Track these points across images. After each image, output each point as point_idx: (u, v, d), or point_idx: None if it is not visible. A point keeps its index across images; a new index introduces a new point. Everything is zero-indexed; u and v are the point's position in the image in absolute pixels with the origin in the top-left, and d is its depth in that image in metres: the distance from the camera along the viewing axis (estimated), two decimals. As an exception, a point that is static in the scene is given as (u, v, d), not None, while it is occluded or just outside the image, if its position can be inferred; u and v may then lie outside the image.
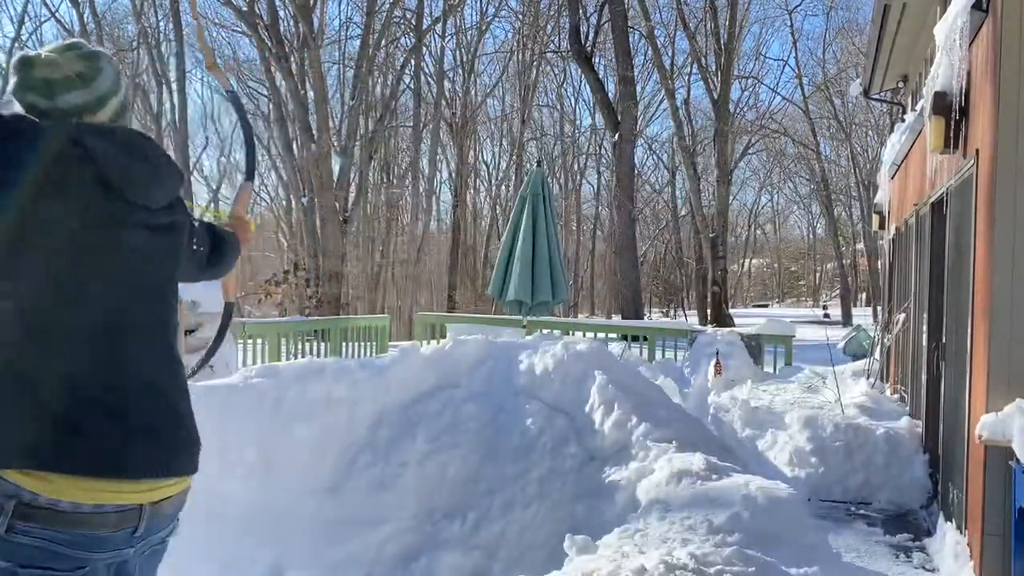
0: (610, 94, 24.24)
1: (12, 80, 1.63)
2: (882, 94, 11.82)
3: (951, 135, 4.67)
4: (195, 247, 1.94)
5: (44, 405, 1.51)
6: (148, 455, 1.60)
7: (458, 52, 31.48)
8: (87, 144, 1.56)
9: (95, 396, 1.55)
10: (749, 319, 20.55)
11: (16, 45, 27.37)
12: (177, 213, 1.79)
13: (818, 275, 54.73)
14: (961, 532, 4.53)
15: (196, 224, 1.99)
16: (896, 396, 8.39)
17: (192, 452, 1.72)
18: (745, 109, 34.39)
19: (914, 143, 7.16)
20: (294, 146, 22.12)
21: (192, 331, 5.79)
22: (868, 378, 9.23)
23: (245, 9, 20.18)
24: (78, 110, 1.62)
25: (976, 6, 4.23)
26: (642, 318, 22.11)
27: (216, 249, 2.09)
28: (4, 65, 27.00)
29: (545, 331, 8.44)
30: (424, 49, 27.21)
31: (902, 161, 8.33)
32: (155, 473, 1.61)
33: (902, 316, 8.30)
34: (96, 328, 1.58)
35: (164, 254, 1.74)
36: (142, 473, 1.58)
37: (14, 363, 1.52)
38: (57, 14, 29.53)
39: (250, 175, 2.52)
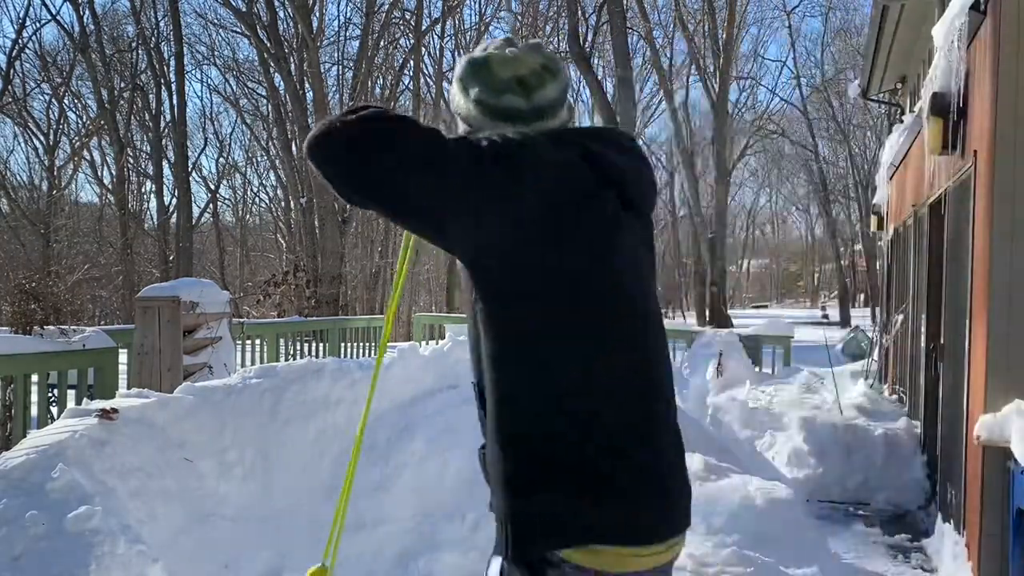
0: (608, 95, 24.26)
1: (474, 89, 1.42)
2: (880, 95, 11.83)
3: (949, 136, 4.67)
4: None
5: (589, 475, 1.32)
6: (676, 510, 1.43)
7: (457, 53, 31.52)
8: (604, 156, 1.38)
9: (634, 454, 1.36)
10: (748, 320, 20.56)
11: (17, 47, 27.37)
12: (652, 227, 1.58)
13: (817, 276, 54.76)
14: (959, 533, 4.53)
15: None
16: (894, 397, 8.40)
17: (690, 500, 1.50)
18: (743, 110, 34.45)
19: (912, 144, 7.16)
20: (293, 147, 22.11)
21: (191, 331, 5.78)
22: (867, 379, 9.23)
23: (244, 10, 20.17)
24: (552, 105, 1.42)
25: (974, 7, 4.24)
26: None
27: None
28: (3, 67, 27.02)
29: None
30: (423, 50, 27.23)
31: (900, 162, 8.34)
32: (677, 530, 1.42)
33: (900, 317, 8.31)
34: (629, 371, 1.38)
35: (654, 272, 1.52)
36: (672, 532, 1.40)
37: (555, 431, 1.34)
38: (58, 16, 29.61)
39: None
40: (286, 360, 9.13)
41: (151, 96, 28.88)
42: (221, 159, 37.41)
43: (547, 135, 1.39)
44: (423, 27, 24.85)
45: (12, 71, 27.36)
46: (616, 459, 1.34)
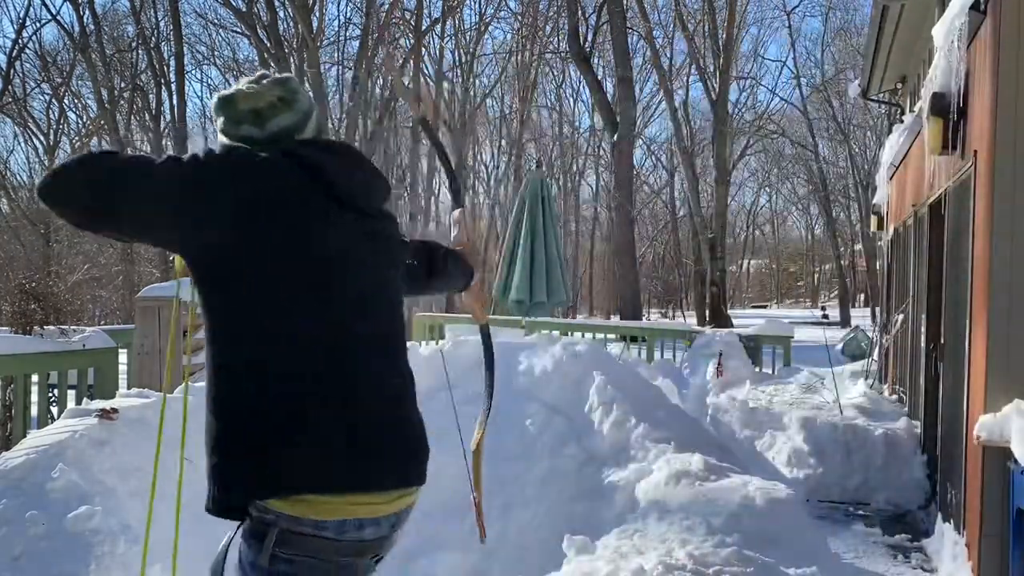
0: (609, 95, 24.25)
1: (219, 120, 1.69)
2: (880, 95, 11.83)
3: (949, 136, 4.67)
4: (409, 260, 1.98)
5: (292, 429, 1.52)
6: (394, 465, 1.64)
7: (457, 53, 31.53)
8: (313, 159, 1.63)
9: (338, 413, 1.56)
10: (748, 320, 20.56)
11: (17, 47, 27.38)
12: (390, 222, 1.83)
13: (817, 276, 54.73)
14: (959, 533, 4.53)
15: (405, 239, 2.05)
16: (894, 397, 8.40)
17: (425, 461, 1.77)
18: (743, 110, 34.43)
19: (912, 144, 7.16)
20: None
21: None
22: (867, 379, 9.23)
23: (244, 10, 20.18)
24: (288, 132, 1.68)
25: (974, 7, 4.24)
26: (641, 319, 22.11)
27: (433, 264, 2.10)
28: (3, 67, 27.04)
29: (544, 332, 8.45)
30: (423, 50, 27.23)
31: (900, 162, 8.34)
32: (401, 482, 1.65)
33: (900, 317, 8.31)
34: (334, 344, 1.59)
35: (388, 262, 1.77)
36: (392, 483, 1.63)
37: (261, 394, 1.55)
38: (58, 16, 29.61)
39: (458, 201, 2.41)
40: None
41: (151, 96, 28.88)
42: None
43: (261, 146, 1.64)
44: (423, 27, 24.84)
45: (12, 71, 27.40)
46: (312, 424, 1.53)
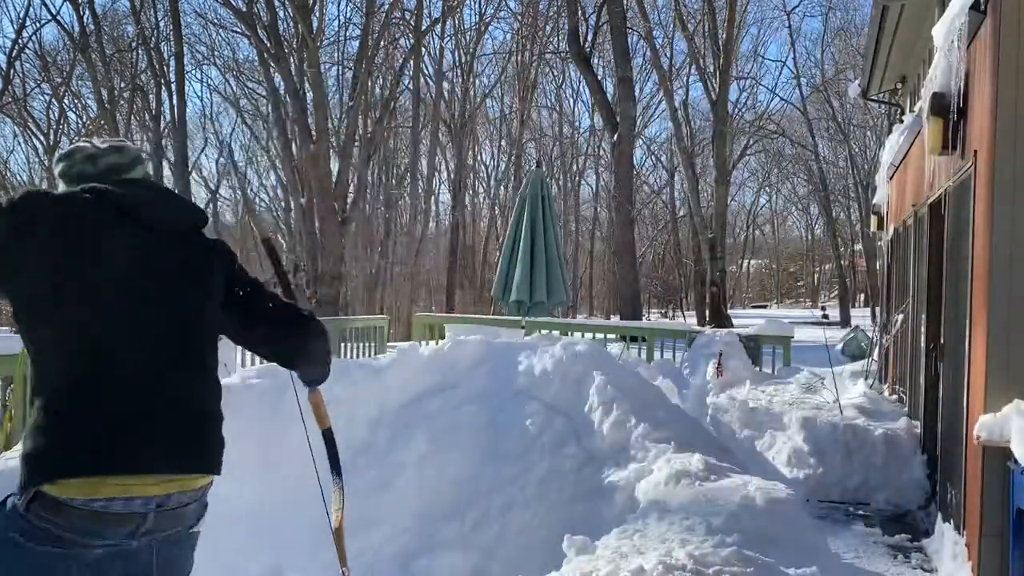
0: (609, 95, 24.25)
1: (60, 166, 2.04)
2: (880, 95, 11.83)
3: (949, 136, 4.68)
4: (241, 292, 2.25)
5: (50, 424, 1.77)
6: (158, 453, 1.85)
7: (457, 53, 31.54)
8: (115, 191, 1.94)
9: (105, 404, 1.80)
10: (748, 320, 20.56)
11: (17, 47, 27.39)
12: (198, 243, 2.09)
13: (817, 276, 54.74)
14: (959, 533, 4.54)
15: (248, 276, 2.30)
16: (894, 397, 8.40)
17: (200, 453, 2.01)
18: (744, 110, 34.46)
19: (912, 144, 7.16)
20: (293, 147, 22.09)
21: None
22: (867, 379, 9.23)
23: (244, 10, 20.17)
24: (116, 168, 2.02)
25: (974, 7, 4.24)
26: (641, 319, 22.11)
27: (292, 322, 2.41)
28: (3, 67, 27.04)
29: (543, 332, 8.45)
30: (423, 50, 27.22)
31: (900, 162, 8.34)
32: (162, 469, 1.85)
33: (900, 317, 8.31)
34: (96, 346, 1.83)
35: (184, 277, 2.02)
36: (149, 469, 1.82)
37: (35, 394, 1.80)
38: (58, 16, 29.62)
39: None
40: (286, 360, 9.10)
41: (151, 96, 28.87)
42: (221, 159, 37.46)
43: (89, 181, 1.95)
44: (423, 27, 24.83)
45: (12, 71, 27.41)
46: (64, 418, 1.77)
